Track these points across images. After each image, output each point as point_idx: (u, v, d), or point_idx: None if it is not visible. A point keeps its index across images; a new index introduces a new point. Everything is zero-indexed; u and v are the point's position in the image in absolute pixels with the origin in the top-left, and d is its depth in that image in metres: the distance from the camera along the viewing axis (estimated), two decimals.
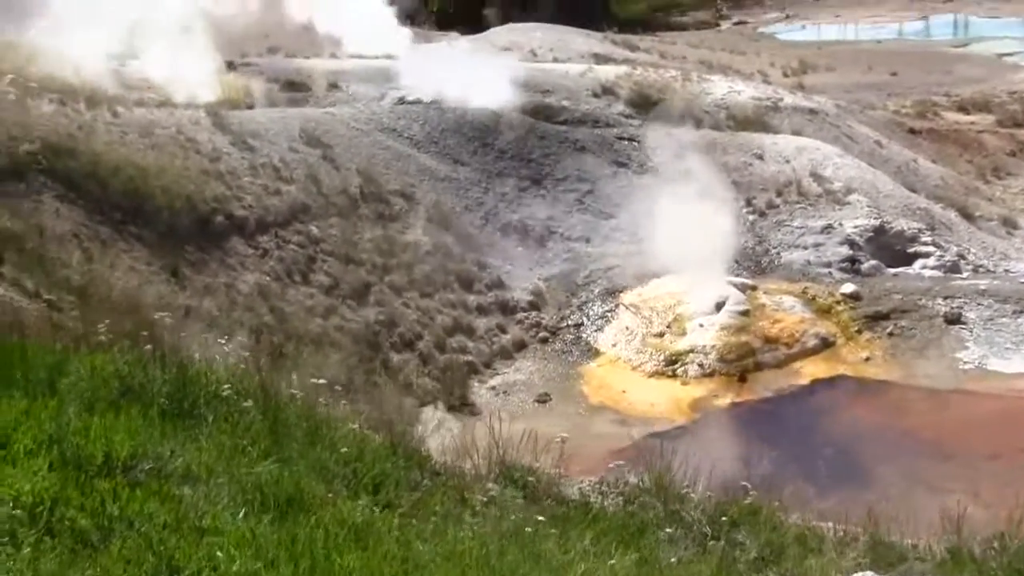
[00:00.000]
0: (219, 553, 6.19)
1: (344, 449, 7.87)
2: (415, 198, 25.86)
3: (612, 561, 6.96)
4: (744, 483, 9.12)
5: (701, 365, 22.83)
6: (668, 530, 7.98)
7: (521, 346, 23.89)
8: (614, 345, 23.87)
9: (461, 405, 21.66)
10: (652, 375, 22.91)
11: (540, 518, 7.50)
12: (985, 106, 46.66)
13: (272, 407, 8.42)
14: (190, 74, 29.61)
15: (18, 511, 6.22)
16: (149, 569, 6.00)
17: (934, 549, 8.41)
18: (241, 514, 6.70)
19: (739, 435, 21.15)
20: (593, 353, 23.84)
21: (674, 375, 22.81)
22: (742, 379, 22.58)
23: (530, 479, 8.43)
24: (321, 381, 10.61)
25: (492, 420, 20.27)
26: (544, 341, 24.11)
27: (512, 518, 7.57)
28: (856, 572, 7.17)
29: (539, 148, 29.00)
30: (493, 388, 22.47)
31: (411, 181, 26.34)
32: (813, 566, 7.47)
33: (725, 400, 22.06)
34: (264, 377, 8.97)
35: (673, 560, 7.27)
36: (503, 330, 24.04)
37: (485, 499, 8.02)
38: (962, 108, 46.66)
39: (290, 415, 8.40)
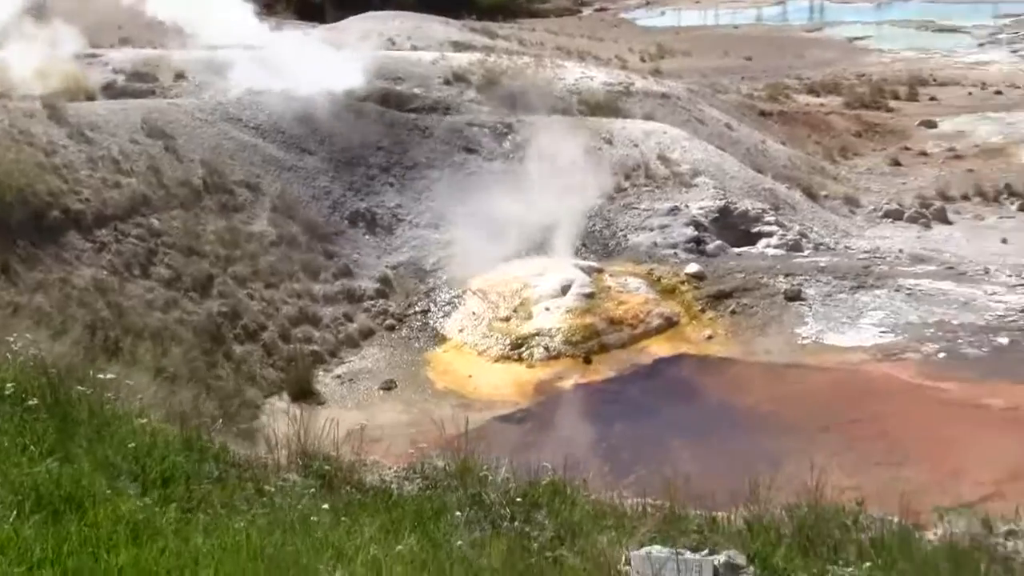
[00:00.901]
0: None
1: (132, 444, 7.73)
2: (260, 188, 25.62)
3: (400, 547, 6.92)
4: (546, 464, 9.11)
5: (547, 348, 22.91)
6: (465, 513, 7.95)
7: (368, 334, 23.78)
8: (461, 331, 23.86)
9: (306, 395, 21.45)
10: (498, 359, 22.93)
11: (325, 506, 7.44)
12: (835, 88, 47.63)
13: (61, 404, 8.24)
14: (28, 64, 29.02)
15: None
16: None
17: (733, 520, 8.48)
18: (12, 516, 6.54)
19: (580, 416, 21.32)
20: (440, 339, 23.82)
21: (520, 359, 22.86)
22: (587, 361, 22.69)
23: (327, 468, 8.34)
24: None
25: (336, 409, 20.49)
26: (391, 328, 24.04)
27: (300, 507, 7.50)
28: (646, 546, 7.19)
29: (388, 136, 28.88)
30: (339, 377, 22.33)
31: (256, 171, 26.08)
32: (605, 542, 7.49)
33: (569, 382, 22.16)
34: (52, 375, 8.75)
35: (460, 543, 7.24)
36: (350, 319, 23.92)
37: (281, 489, 7.93)
38: (812, 91, 47.59)
39: (80, 412, 8.23)
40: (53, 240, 21.55)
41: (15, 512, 6.57)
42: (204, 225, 23.86)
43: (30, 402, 8.08)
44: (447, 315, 24.46)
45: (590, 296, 24.10)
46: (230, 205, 24.81)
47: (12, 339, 10.90)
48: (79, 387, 8.69)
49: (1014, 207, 31.42)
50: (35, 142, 23.46)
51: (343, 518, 7.42)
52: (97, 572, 5.99)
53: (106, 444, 7.76)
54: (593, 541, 7.61)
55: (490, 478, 8.49)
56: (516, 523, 7.92)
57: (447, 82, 33.39)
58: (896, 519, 8.57)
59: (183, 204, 24.03)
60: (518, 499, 8.13)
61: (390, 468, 9.21)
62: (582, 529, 7.86)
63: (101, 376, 9.37)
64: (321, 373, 22.33)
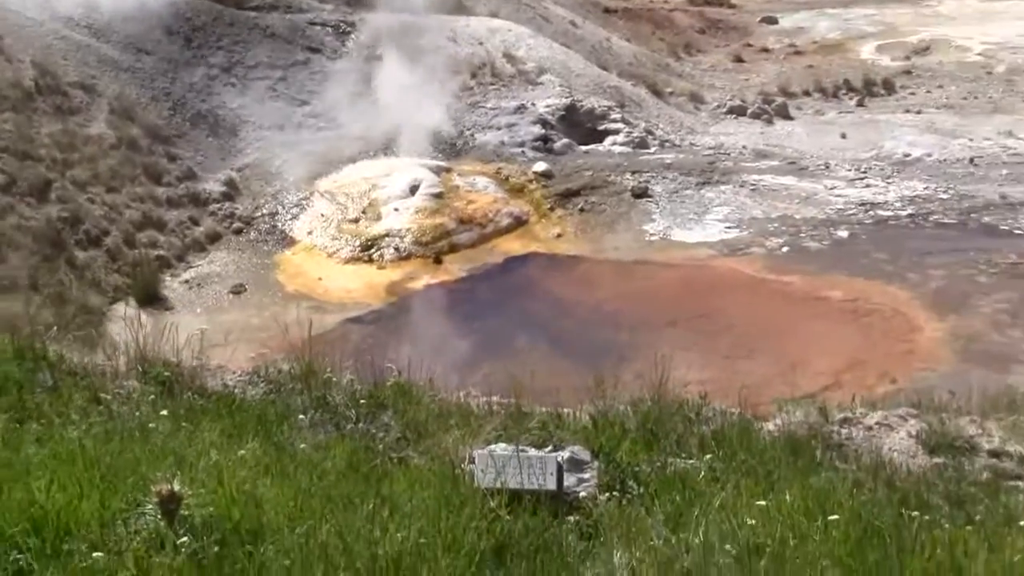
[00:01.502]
0: None
1: None
2: (96, 90, 24.90)
3: (242, 451, 6.81)
4: (390, 364, 9.05)
5: (397, 249, 22.79)
6: (310, 416, 7.87)
7: (215, 238, 23.40)
8: (310, 233, 23.60)
9: (153, 300, 21.08)
10: (348, 261, 22.76)
11: (164, 412, 7.29)
12: None
13: None
14: None
15: None
16: None
17: (579, 416, 8.50)
18: None
19: (431, 316, 21.29)
20: (289, 242, 23.54)
21: (370, 260, 22.72)
22: (437, 260, 22.64)
23: (167, 374, 8.17)
24: None
25: (184, 314, 20.19)
26: (238, 232, 23.67)
27: (139, 415, 7.35)
28: (492, 444, 7.17)
29: (228, 35, 28.26)
30: (187, 282, 21.96)
31: (92, 72, 25.32)
32: (450, 441, 7.45)
33: (421, 282, 22.08)
34: None
35: (303, 446, 7.15)
36: (196, 222, 23.50)
37: (119, 397, 7.76)
38: None
39: None
40: None
41: None
42: (38, 128, 23.14)
43: None
44: (295, 217, 24.14)
45: (439, 196, 23.99)
46: (65, 107, 24.08)
47: None
48: None
49: (852, 102, 32.01)
50: None
51: (184, 424, 7.29)
52: None
53: None
54: (438, 440, 7.57)
55: (334, 380, 8.40)
56: (361, 425, 7.86)
57: None
58: (737, 411, 8.68)
59: (14, 107, 23.24)
60: (362, 401, 8.07)
61: (234, 373, 9.04)
62: (428, 429, 7.82)
63: None
64: (168, 278, 21.92)
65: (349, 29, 29.70)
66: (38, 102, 23.80)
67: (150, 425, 7.12)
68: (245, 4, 29.85)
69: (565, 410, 8.81)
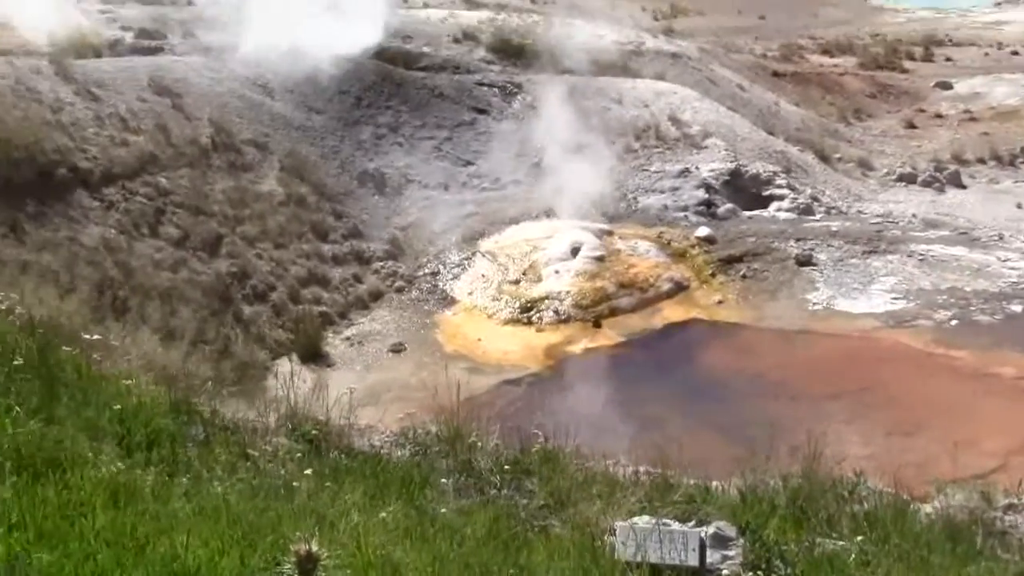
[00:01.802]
0: None
1: (117, 406, 7.66)
2: (269, 147, 25.47)
3: (383, 514, 6.84)
4: (536, 431, 9.03)
5: (556, 311, 22.79)
6: (454, 480, 7.88)
7: (377, 296, 23.67)
8: (470, 293, 23.74)
9: (315, 357, 21.40)
10: (507, 322, 22.81)
11: (307, 471, 7.36)
12: (849, 48, 47.27)
13: (48, 364, 8.17)
14: (35, 20, 28.93)
15: None
16: None
17: (727, 490, 8.39)
18: None
19: (588, 381, 21.18)
20: (449, 301, 23.69)
21: (529, 322, 22.73)
22: (596, 324, 22.56)
23: (315, 432, 8.26)
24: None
25: (345, 371, 20.43)
26: (400, 290, 23.92)
27: (285, 472, 7.43)
28: (635, 516, 7.10)
29: (397, 96, 28.71)
30: (348, 339, 22.23)
31: (265, 130, 25.93)
32: (594, 510, 7.40)
33: (579, 346, 22.00)
34: (39, 334, 8.68)
35: (443, 510, 7.16)
36: (359, 280, 23.80)
37: (267, 454, 7.87)
38: (826, 51, 47.23)
39: (67, 372, 8.16)
40: (61, 198, 21.47)
41: None
42: (212, 184, 23.75)
43: (16, 362, 8.01)
44: (456, 277, 24.32)
45: (600, 259, 23.96)
46: (238, 164, 24.69)
47: (7, 297, 10.84)
48: (66, 348, 8.63)
49: None
50: (42, 99, 23.34)
51: (328, 484, 7.35)
52: (73, 535, 5.93)
53: (91, 406, 7.70)
54: (581, 510, 7.53)
55: (479, 444, 8.40)
56: (505, 491, 7.85)
57: (456, 40, 33.30)
58: (893, 491, 8.46)
59: (191, 163, 23.91)
60: (507, 467, 8.05)
61: (383, 433, 9.12)
62: (571, 498, 7.77)
63: (88, 337, 9.31)
64: (330, 335, 22.23)
65: (515, 90, 29.96)
66: (213, 159, 24.44)
67: (294, 484, 7.20)
68: (414, 65, 30.33)
69: (714, 483, 8.70)
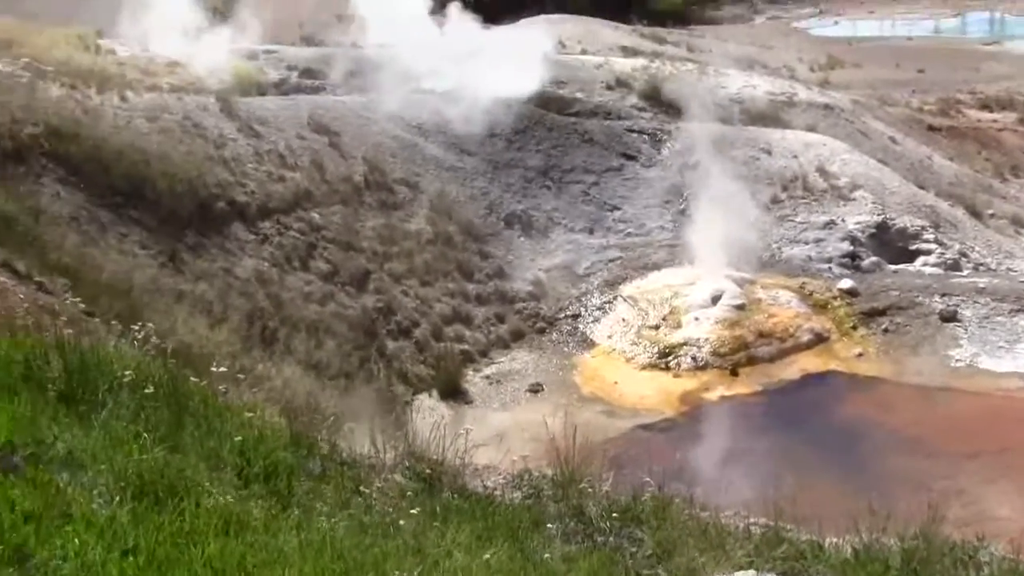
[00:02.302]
0: (75, 541, 6.15)
1: (239, 438, 7.80)
2: (419, 187, 25.81)
3: (487, 555, 6.86)
4: (647, 479, 8.96)
5: (694, 358, 22.70)
6: (563, 524, 7.87)
7: (518, 336, 23.80)
8: (610, 337, 23.75)
9: (454, 393, 21.60)
10: (645, 367, 22.78)
11: (414, 511, 7.40)
12: (1009, 104, 46.22)
13: (177, 394, 8.34)
14: (207, 60, 29.75)
15: None
16: None
17: (842, 547, 8.25)
18: (113, 502, 6.65)
19: (722, 429, 21.03)
20: (589, 344, 23.73)
21: (667, 367, 22.68)
22: (734, 373, 22.43)
23: (429, 471, 8.31)
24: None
25: (483, 408, 20.56)
26: (541, 331, 24.01)
27: (395, 509, 7.49)
28: (741, 570, 7.03)
29: (548, 139, 28.87)
30: (487, 377, 22.41)
31: (416, 170, 26.27)
32: (703, 562, 7.34)
33: (715, 394, 21.93)
34: (171, 366, 8.87)
35: (547, 555, 7.16)
36: (501, 320, 23.96)
37: (380, 491, 7.94)
38: (985, 106, 46.23)
39: (193, 402, 8.33)
40: (218, 230, 22.06)
41: (117, 498, 6.67)
42: (363, 221, 24.15)
43: (147, 390, 8.20)
44: (597, 320, 24.34)
45: (740, 308, 23.80)
46: (389, 202, 25.05)
47: (150, 326, 11.09)
48: (194, 379, 8.81)
49: None
50: (206, 135, 24.01)
51: (436, 523, 7.40)
52: (183, 563, 6.06)
53: (214, 436, 7.85)
54: (689, 560, 7.47)
55: (590, 490, 8.37)
56: (613, 538, 7.81)
57: (609, 87, 33.30)
58: (1015, 557, 8.25)
59: (344, 200, 24.35)
60: (615, 514, 8.02)
61: (499, 474, 9.14)
62: (678, 548, 7.71)
63: (217, 367, 9.50)
64: (471, 372, 22.44)
65: (665, 137, 29.91)
66: (365, 196, 24.85)
67: (402, 522, 7.26)
68: (566, 110, 30.46)
69: (829, 539, 8.57)
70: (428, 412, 20.45)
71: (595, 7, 60.47)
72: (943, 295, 24.09)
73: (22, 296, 15.44)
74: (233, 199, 22.73)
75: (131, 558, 6.01)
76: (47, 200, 19.72)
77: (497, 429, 19.19)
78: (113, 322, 13.37)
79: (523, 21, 53.46)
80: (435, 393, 21.55)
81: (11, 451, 6.86)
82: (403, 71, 31.02)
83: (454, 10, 35.20)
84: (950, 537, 8.39)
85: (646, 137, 29.88)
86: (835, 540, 8.51)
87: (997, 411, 20.35)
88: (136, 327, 10.21)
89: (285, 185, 23.82)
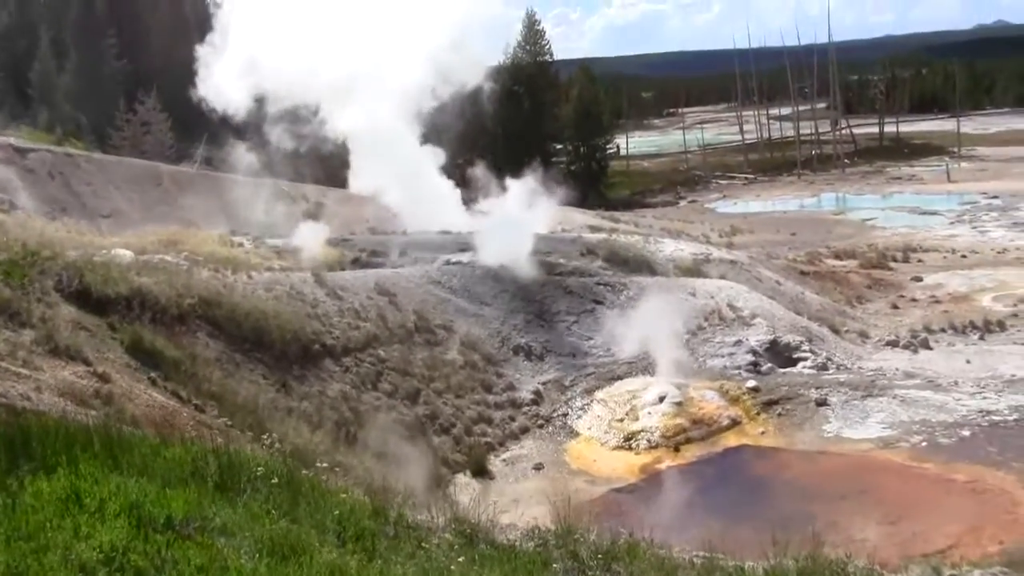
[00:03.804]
0: None
1: (337, 512, 7.83)
2: (453, 329, 25.86)
3: None
4: (622, 529, 8.95)
5: (649, 440, 22.54)
6: (564, 564, 7.85)
7: (525, 430, 23.66)
8: (589, 428, 23.63)
9: (482, 472, 21.48)
10: (614, 448, 22.60)
11: (460, 559, 7.40)
12: (852, 254, 46.80)
13: (294, 482, 8.39)
14: (304, 247, 30.18)
15: (99, 554, 6.26)
16: None
17: (755, 568, 8.24)
18: (255, 558, 6.68)
19: (671, 489, 20.94)
20: (574, 434, 23.58)
21: (630, 448, 22.50)
22: (677, 449, 22.25)
23: (468, 530, 8.32)
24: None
25: (502, 482, 20.34)
26: (541, 426, 23.89)
27: (446, 558, 7.49)
28: None
29: (540, 292, 28.97)
30: (505, 460, 22.27)
31: (450, 318, 26.35)
32: None
33: (664, 464, 21.76)
34: (289, 462, 8.92)
35: None
36: (513, 419, 23.82)
37: (436, 545, 7.94)
38: (837, 256, 46.77)
39: (304, 487, 8.37)
40: (315, 364, 22.10)
41: (257, 555, 6.72)
42: (414, 354, 24.16)
43: (273, 480, 8.25)
44: (580, 416, 24.20)
45: (679, 404, 23.65)
46: (432, 340, 25.09)
47: (274, 436, 11.16)
48: (305, 471, 8.86)
49: (975, 337, 30.59)
50: (305, 299, 24.16)
51: (475, 567, 7.39)
52: None
53: (320, 511, 7.88)
54: None
55: (581, 539, 8.38)
56: (600, 572, 7.80)
57: (582, 254, 33.61)
58: (870, 567, 8.25)
59: (400, 340, 24.39)
60: (599, 555, 8.01)
61: (518, 529, 9.13)
62: None
63: (320, 464, 9.54)
64: (492, 457, 22.25)
65: (622, 287, 30.00)
66: (415, 337, 24.89)
67: (451, 567, 7.26)
68: (553, 271, 30.64)
69: (748, 563, 8.56)
70: (464, 487, 20.34)
71: (569, 200, 61.23)
72: (817, 388, 24.04)
73: (185, 415, 15.57)
74: (324, 343, 22.80)
75: None
76: (200, 348, 19.86)
77: (513, 497, 19.10)
78: (247, 432, 13.48)
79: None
80: (468, 473, 21.39)
81: (186, 523, 6.93)
82: (439, 250, 31.51)
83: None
84: (829, 556, 8.42)
85: (610, 287, 29.97)
86: (752, 563, 8.50)
87: (858, 465, 20.29)
88: (264, 436, 10.28)
89: (359, 331, 23.89)
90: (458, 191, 40.84)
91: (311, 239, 32.85)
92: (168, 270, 22.79)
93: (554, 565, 7.72)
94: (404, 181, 38.46)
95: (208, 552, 6.63)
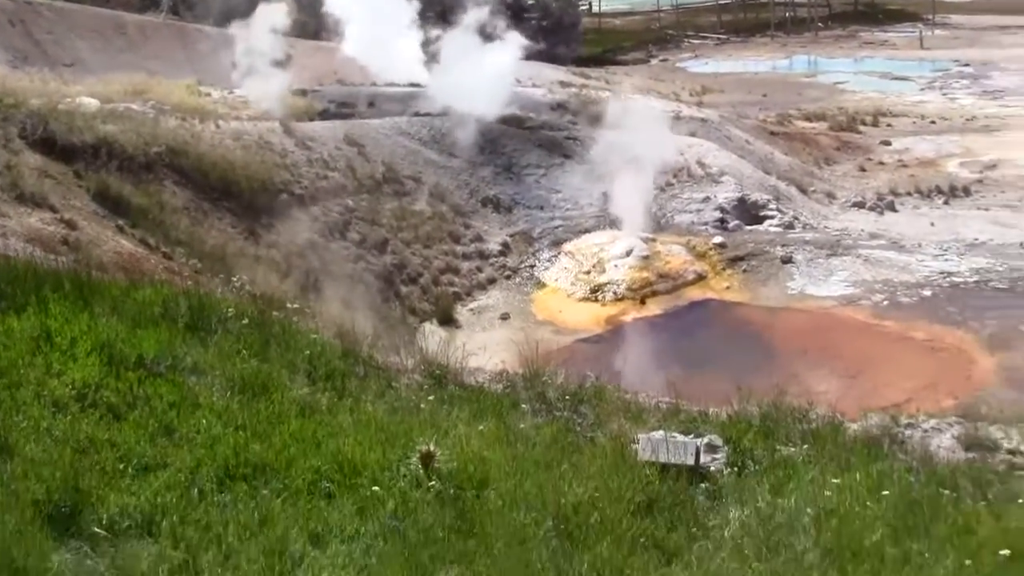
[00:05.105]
0: (204, 420, 6.20)
1: (307, 352, 7.80)
2: (421, 180, 25.58)
3: (481, 427, 6.91)
4: (588, 374, 9.02)
5: (615, 293, 22.69)
6: (531, 406, 7.91)
7: (492, 281, 23.74)
8: (556, 280, 23.73)
9: (448, 321, 21.60)
10: (581, 300, 22.75)
11: (431, 397, 7.44)
12: (822, 116, 46.32)
13: (264, 323, 8.34)
14: (273, 98, 29.47)
15: (71, 391, 6.23)
16: (153, 431, 6.01)
17: (720, 414, 8.34)
18: (226, 395, 6.67)
19: (636, 339, 21.19)
20: (541, 285, 23.70)
21: (596, 300, 22.66)
22: (642, 302, 22.43)
23: (439, 372, 8.33)
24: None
25: (469, 331, 20.50)
26: (508, 277, 23.97)
27: (416, 398, 7.52)
28: (652, 431, 7.10)
29: (510, 145, 28.59)
30: (472, 310, 22.41)
31: (419, 169, 26.03)
32: (628, 427, 7.41)
33: (629, 316, 21.98)
34: (260, 303, 8.86)
35: (522, 425, 7.21)
36: (480, 270, 23.87)
37: (405, 386, 7.96)
38: (807, 118, 46.28)
39: (276, 329, 8.32)
40: (283, 214, 21.86)
41: (228, 392, 6.72)
42: (383, 205, 23.96)
43: (244, 321, 8.19)
44: (547, 268, 24.28)
45: (646, 258, 23.74)
46: (400, 192, 24.85)
47: (244, 278, 11.08)
48: (276, 312, 8.80)
49: (940, 201, 30.62)
50: (273, 149, 23.75)
51: (444, 406, 7.44)
52: (275, 435, 6.11)
53: (291, 351, 7.86)
54: (619, 426, 7.55)
55: (549, 382, 8.42)
56: (566, 413, 7.87)
57: (552, 108, 33.03)
58: (831, 415, 8.38)
59: (369, 191, 24.13)
60: (567, 397, 8.07)
61: (486, 373, 9.17)
62: (612, 419, 7.78)
63: (291, 305, 9.49)
64: (460, 307, 22.38)
65: (592, 142, 29.51)
66: (384, 188, 24.62)
67: (421, 406, 7.29)
68: (522, 125, 30.14)
69: (712, 409, 8.66)
70: (431, 335, 20.41)
71: (540, 56, 59.97)
72: (783, 246, 24.14)
73: (154, 261, 15.46)
74: (292, 192, 22.56)
75: (241, 432, 6.10)
76: (168, 196, 19.64)
77: (481, 344, 19.22)
78: (216, 277, 13.39)
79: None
80: (435, 322, 21.52)
81: (157, 362, 6.89)
82: (407, 101, 30.87)
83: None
84: (790, 404, 8.54)
85: (579, 142, 29.60)
86: (716, 410, 8.59)
87: (819, 322, 20.58)
88: (234, 279, 10.19)
89: (328, 181, 23.62)
90: (428, 45, 39.82)
91: (279, 90, 32.07)
92: (134, 119, 22.25)
93: (522, 406, 7.77)
94: (374, 34, 37.37)
95: (180, 389, 6.62)
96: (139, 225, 17.57)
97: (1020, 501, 6.38)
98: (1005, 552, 5.45)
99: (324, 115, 30.36)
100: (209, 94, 30.99)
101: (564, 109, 33.24)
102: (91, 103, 23.96)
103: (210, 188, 20.93)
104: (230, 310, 8.25)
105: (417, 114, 29.28)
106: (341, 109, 31.37)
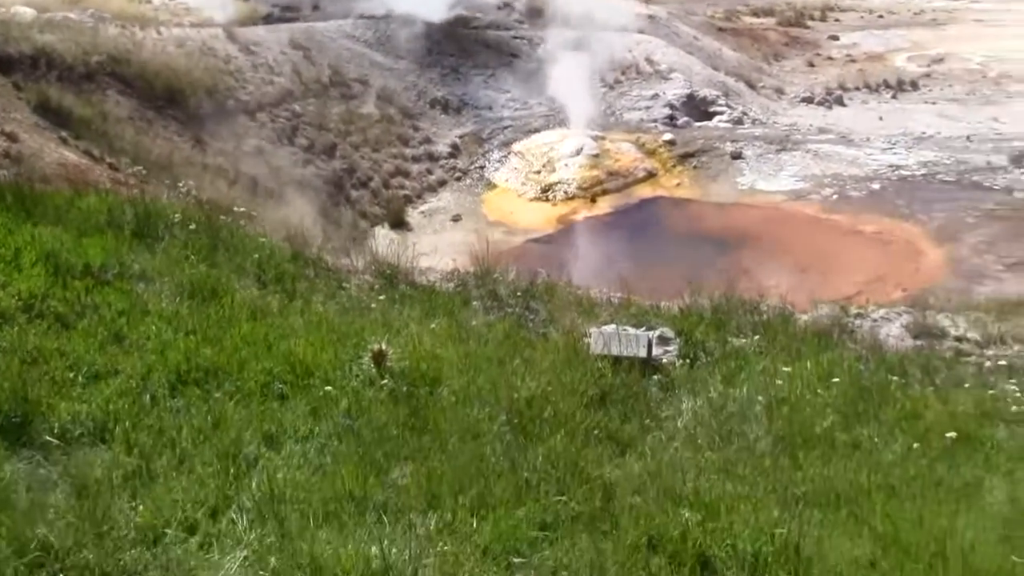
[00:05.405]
0: (154, 327, 6.11)
1: (256, 256, 7.69)
2: (368, 83, 25.13)
3: (433, 325, 6.89)
4: (541, 270, 9.01)
5: (565, 192, 22.63)
6: (483, 303, 7.89)
7: (443, 183, 23.56)
8: (506, 180, 23.57)
9: (400, 224, 21.44)
10: (532, 200, 22.68)
11: (381, 297, 7.38)
12: (771, 12, 45.99)
13: (212, 228, 8.20)
14: (215, 3, 28.65)
15: (17, 302, 6.11)
16: (103, 339, 5.92)
17: (671, 308, 8.38)
18: (176, 301, 6.57)
19: (587, 238, 21.16)
20: (492, 186, 23.55)
21: (547, 199, 22.59)
22: (593, 200, 22.41)
23: (389, 272, 8.27)
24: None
25: (420, 234, 20.38)
26: (458, 179, 23.79)
27: (367, 298, 7.47)
28: (606, 324, 7.12)
29: (457, 46, 28.17)
30: (423, 212, 22.24)
31: (366, 72, 25.55)
32: (580, 322, 7.42)
33: (580, 215, 21.94)
34: (207, 208, 8.70)
35: (474, 323, 7.19)
36: (430, 172, 23.66)
37: (356, 286, 7.90)
38: (755, 13, 45.92)
39: (224, 233, 8.19)
40: (229, 120, 21.39)
41: (178, 298, 6.62)
42: (330, 109, 23.54)
43: (191, 227, 8.04)
44: (497, 169, 24.10)
45: (595, 156, 23.64)
46: (347, 95, 24.41)
47: (190, 183, 10.88)
48: (223, 217, 8.65)
49: (888, 96, 30.81)
50: (217, 55, 23.13)
51: (396, 305, 7.39)
52: (226, 338, 6.04)
53: (239, 255, 7.75)
54: (571, 321, 7.54)
55: (500, 279, 8.40)
56: (518, 310, 7.86)
57: (499, 8, 32.43)
58: (782, 307, 8.46)
59: (316, 95, 23.68)
60: (519, 294, 8.05)
61: (437, 272, 9.12)
62: (564, 314, 7.78)
63: (238, 209, 9.33)
64: (410, 209, 22.20)
65: (539, 41, 29.27)
66: (331, 92, 24.18)
67: (372, 305, 7.24)
68: (469, 25, 29.69)
69: (663, 303, 8.69)
70: (383, 238, 20.20)
71: None
72: (732, 141, 24.11)
73: (99, 172, 15.10)
74: (238, 98, 22.06)
75: (192, 337, 6.03)
76: (111, 106, 19.09)
77: (432, 245, 19.08)
78: (163, 185, 13.12)
79: None
80: (386, 225, 21.35)
81: (104, 270, 6.76)
82: (353, 2, 30.08)
83: None
84: (741, 297, 8.58)
85: (526, 42, 29.28)
86: (667, 303, 8.63)
87: (769, 217, 20.56)
88: (180, 185, 9.99)
89: (274, 87, 23.12)
90: None
91: None
92: (73, 27, 21.49)
93: (474, 303, 7.75)
94: None
95: (128, 297, 6.51)
96: (83, 136, 17.09)
97: (966, 386, 6.52)
98: (952, 434, 5.60)
99: (268, 19, 29.58)
100: (150, 1, 30.06)
101: (511, 8, 32.63)
102: (27, 12, 23.11)
103: (154, 97, 20.37)
104: (177, 216, 8.09)
105: (362, 16, 28.62)
106: (285, 13, 30.60)
